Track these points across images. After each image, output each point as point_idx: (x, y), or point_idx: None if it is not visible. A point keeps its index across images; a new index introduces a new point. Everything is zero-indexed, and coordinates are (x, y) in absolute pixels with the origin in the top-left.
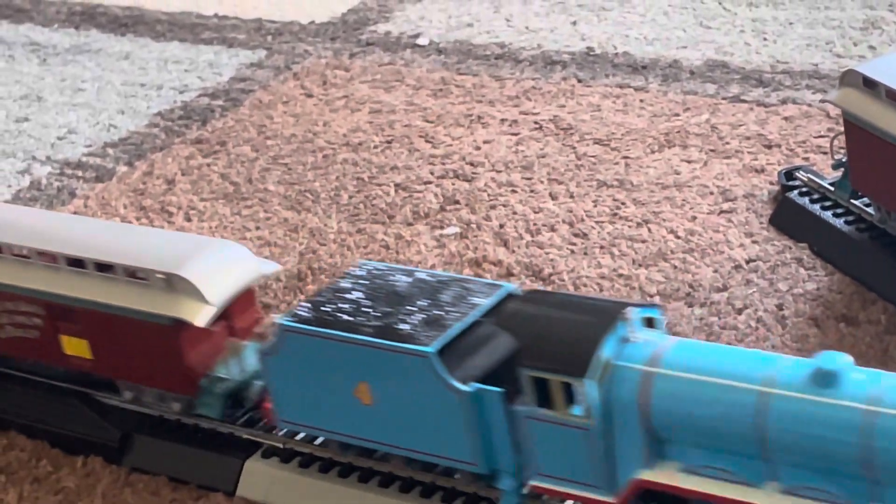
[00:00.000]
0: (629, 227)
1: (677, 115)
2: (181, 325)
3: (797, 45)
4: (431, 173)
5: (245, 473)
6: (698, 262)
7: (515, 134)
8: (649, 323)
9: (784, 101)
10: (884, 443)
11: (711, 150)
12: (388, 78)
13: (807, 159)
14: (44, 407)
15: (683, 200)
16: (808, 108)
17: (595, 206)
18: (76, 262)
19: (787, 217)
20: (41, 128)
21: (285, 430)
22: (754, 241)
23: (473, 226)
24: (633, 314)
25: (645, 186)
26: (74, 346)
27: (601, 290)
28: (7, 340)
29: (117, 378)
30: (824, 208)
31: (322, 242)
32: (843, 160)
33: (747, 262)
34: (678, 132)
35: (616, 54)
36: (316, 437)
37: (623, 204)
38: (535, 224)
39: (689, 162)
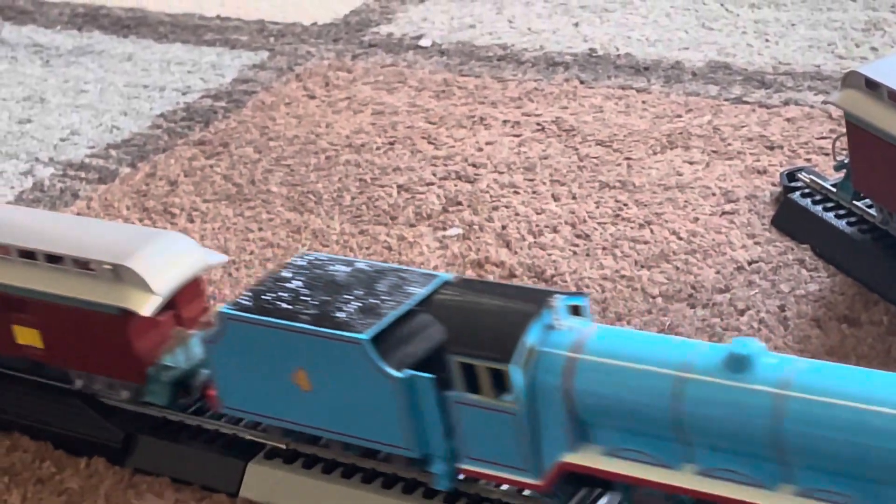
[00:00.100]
0: (631, 228)
1: (679, 116)
2: (128, 315)
3: (799, 47)
4: (434, 175)
5: (248, 474)
6: (700, 263)
7: (518, 135)
8: (576, 311)
9: (786, 103)
10: (792, 425)
11: (713, 152)
12: (391, 79)
13: (809, 160)
14: (47, 408)
15: (685, 202)
16: (810, 110)
17: (597, 207)
18: (27, 254)
19: (789, 218)
20: (44, 129)
21: (285, 432)
22: (756, 243)
23: (476, 227)
24: (559, 302)
25: (647, 188)
26: (27, 336)
27: (603, 292)
28: None
29: (68, 367)
30: (826, 209)
31: (325, 244)
32: (845, 161)
33: (749, 263)
34: (680, 133)
35: (618, 56)
36: (319, 439)
37: (625, 205)
38: (537, 225)
39: (691, 163)
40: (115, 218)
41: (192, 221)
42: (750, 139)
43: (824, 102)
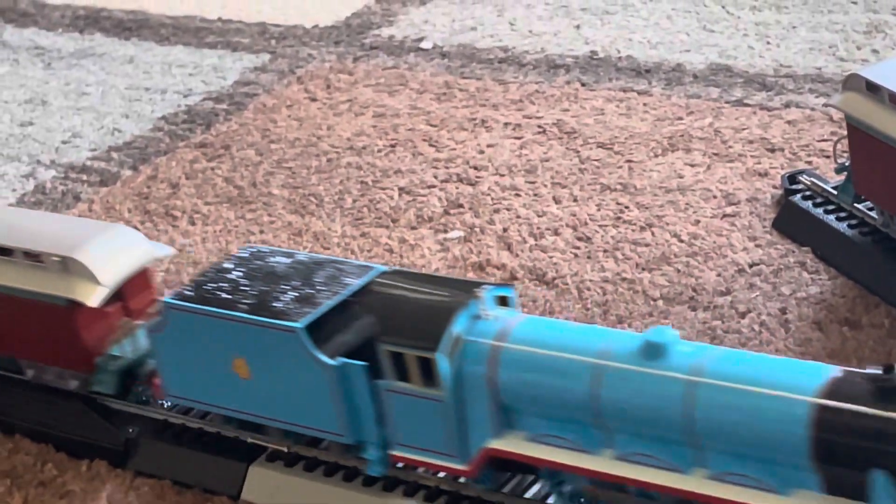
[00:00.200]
0: (633, 230)
1: (681, 118)
2: (76, 306)
3: (800, 49)
4: (435, 177)
5: (249, 477)
6: (702, 265)
7: (519, 138)
8: (503, 302)
9: (787, 105)
10: (703, 410)
11: (715, 154)
12: (392, 82)
13: (810, 163)
14: (49, 411)
15: (687, 204)
16: (811, 112)
17: (598, 209)
18: None
19: (790, 221)
20: (46, 132)
21: (285, 433)
22: (757, 245)
23: (477, 229)
24: (486, 293)
25: (648, 190)
26: None
27: (605, 294)
28: None
29: (19, 357)
30: (827, 212)
31: (326, 246)
32: (846, 164)
33: (750, 265)
34: (681, 136)
35: (619, 58)
36: (321, 441)
37: (626, 208)
38: (538, 228)
39: (692, 166)
40: (117, 220)
41: (193, 224)
42: (751, 142)
43: (825, 105)
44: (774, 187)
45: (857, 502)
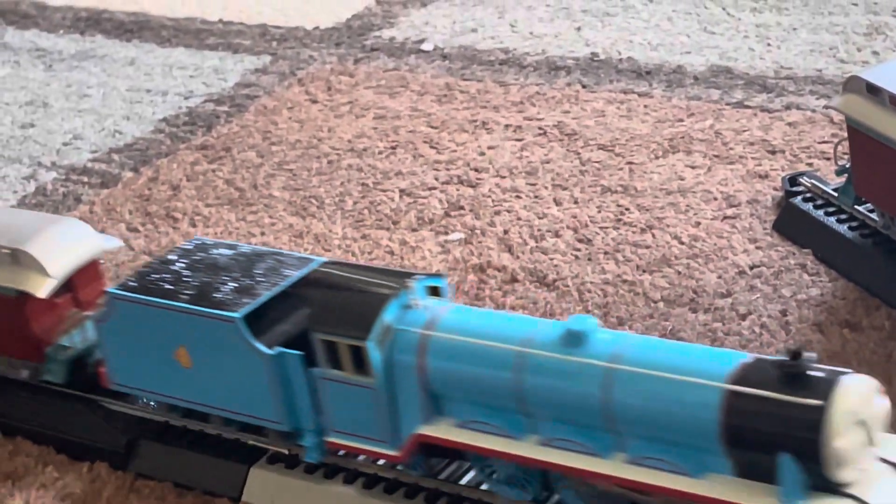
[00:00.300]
0: (633, 232)
1: (681, 120)
2: (26, 297)
3: (801, 51)
4: (436, 179)
5: (250, 479)
6: (702, 267)
7: (520, 140)
8: (436, 292)
9: (788, 107)
10: (621, 396)
11: (715, 156)
12: (393, 84)
13: (810, 165)
14: (49, 413)
15: (687, 206)
16: (811, 114)
17: (599, 211)
18: None
19: (790, 223)
20: (47, 134)
21: (286, 434)
22: (758, 247)
23: (478, 231)
24: (417, 283)
25: (649, 192)
26: None
27: (605, 296)
28: None
29: None
30: (828, 214)
31: (327, 248)
32: (847, 166)
33: (751, 267)
34: (682, 138)
35: (620, 60)
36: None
37: (627, 210)
38: (539, 230)
39: (692, 167)
40: (117, 222)
41: (194, 226)
42: (752, 143)
43: (826, 107)
44: (775, 189)
45: (767, 484)
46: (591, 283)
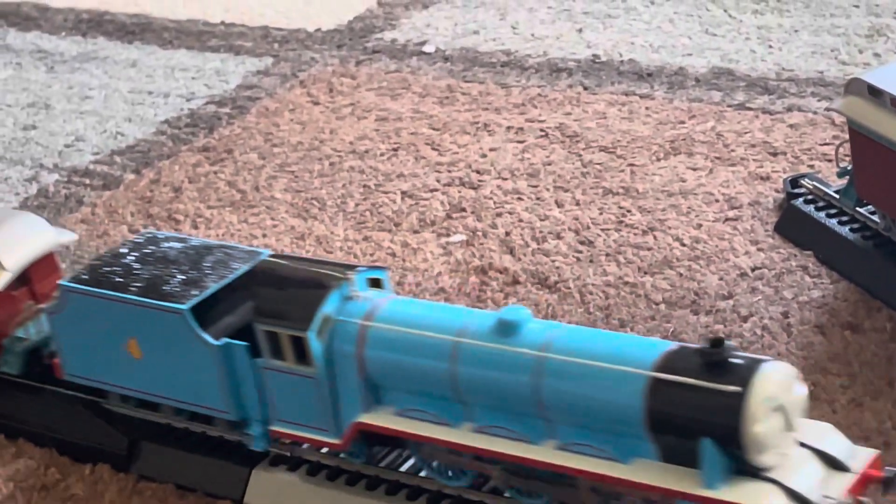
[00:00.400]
0: (635, 234)
1: (683, 122)
2: None
3: (802, 53)
4: (437, 181)
5: (252, 481)
6: (704, 269)
7: (521, 141)
8: (377, 284)
9: (789, 109)
10: (550, 383)
11: (717, 158)
12: (395, 85)
13: (812, 167)
14: (52, 415)
15: (689, 208)
16: (813, 116)
17: (601, 213)
18: None
19: (792, 225)
20: (48, 135)
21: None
22: (759, 249)
23: (479, 233)
24: (357, 275)
25: (650, 194)
26: None
27: (607, 298)
28: None
29: None
30: (829, 216)
31: (329, 250)
32: (849, 168)
33: (752, 269)
34: (684, 140)
35: (622, 62)
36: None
37: (629, 211)
38: (540, 232)
39: (694, 169)
40: (119, 224)
41: (196, 228)
42: (753, 145)
43: (827, 109)
44: (776, 191)
45: (691, 469)
46: (593, 284)
